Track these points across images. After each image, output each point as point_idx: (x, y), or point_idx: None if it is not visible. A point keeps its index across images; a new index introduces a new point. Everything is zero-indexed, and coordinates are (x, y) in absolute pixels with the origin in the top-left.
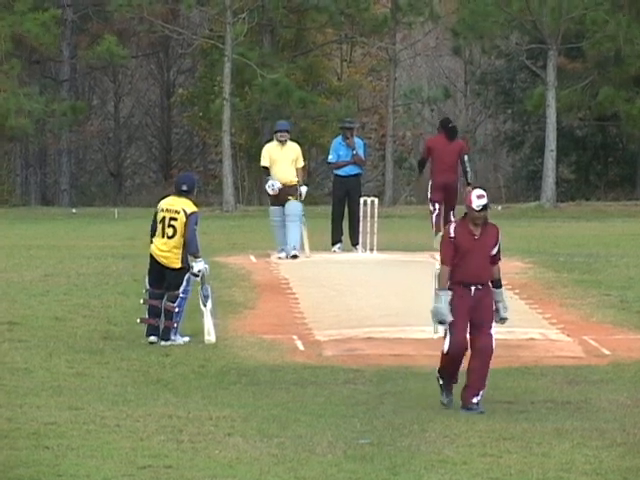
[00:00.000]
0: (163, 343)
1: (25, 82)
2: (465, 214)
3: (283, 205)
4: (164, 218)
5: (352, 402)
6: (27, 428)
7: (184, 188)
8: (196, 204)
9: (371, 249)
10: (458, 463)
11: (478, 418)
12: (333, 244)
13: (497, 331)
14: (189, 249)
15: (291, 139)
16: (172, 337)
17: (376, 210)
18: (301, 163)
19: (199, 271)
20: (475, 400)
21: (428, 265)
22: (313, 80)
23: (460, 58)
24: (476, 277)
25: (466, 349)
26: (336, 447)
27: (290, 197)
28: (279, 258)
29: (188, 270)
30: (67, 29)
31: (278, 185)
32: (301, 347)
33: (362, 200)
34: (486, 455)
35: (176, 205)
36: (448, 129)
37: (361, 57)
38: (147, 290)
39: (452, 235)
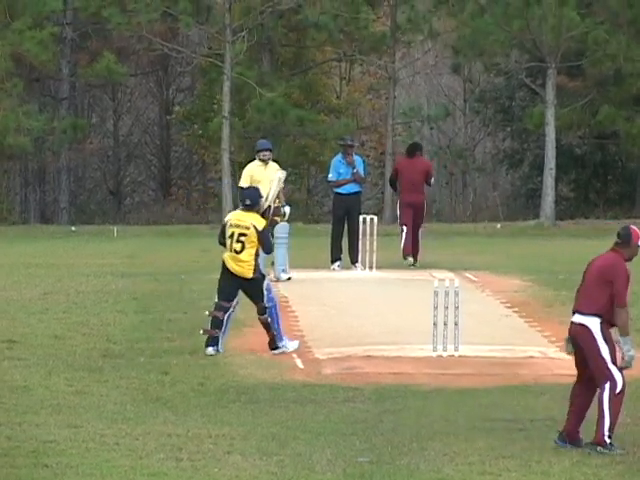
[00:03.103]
0: (273, 352)
1: (24, 100)
2: (618, 246)
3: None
4: (233, 234)
5: (351, 420)
6: (26, 446)
7: (247, 202)
8: (264, 217)
9: (370, 267)
10: None
11: (477, 436)
12: (332, 262)
13: (495, 349)
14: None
15: (274, 159)
16: (279, 344)
17: (375, 228)
18: (282, 184)
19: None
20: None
21: (427, 283)
22: (312, 98)
23: (459, 76)
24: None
25: None
26: (335, 465)
27: (276, 218)
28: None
29: (263, 278)
30: (66, 47)
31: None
32: (300, 365)
33: (361, 218)
34: (485, 473)
35: (246, 221)
36: (408, 147)
37: (360, 75)
38: (215, 303)
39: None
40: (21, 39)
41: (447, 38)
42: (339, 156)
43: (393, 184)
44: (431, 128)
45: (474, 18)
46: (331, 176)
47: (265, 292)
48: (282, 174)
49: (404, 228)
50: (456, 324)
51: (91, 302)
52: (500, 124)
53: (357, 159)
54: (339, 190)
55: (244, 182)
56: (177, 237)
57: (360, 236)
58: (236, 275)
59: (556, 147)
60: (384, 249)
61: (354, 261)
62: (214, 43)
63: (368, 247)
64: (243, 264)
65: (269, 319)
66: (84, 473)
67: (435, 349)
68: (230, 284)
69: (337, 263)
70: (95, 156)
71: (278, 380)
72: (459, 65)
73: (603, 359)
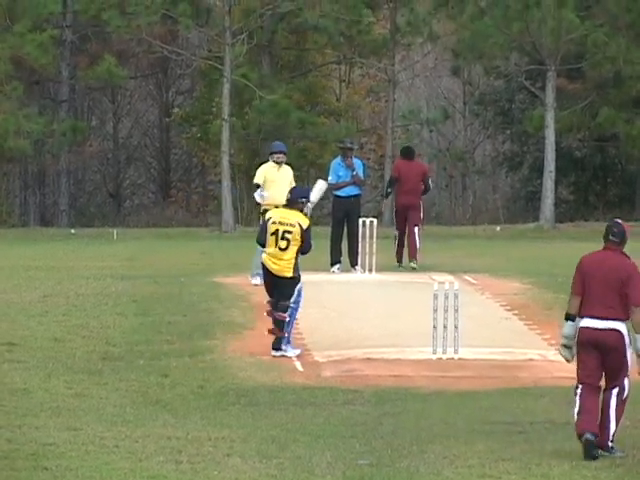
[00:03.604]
0: (273, 353)
1: (24, 103)
2: (614, 244)
3: None
4: (277, 231)
5: (351, 423)
6: (26, 449)
7: (287, 197)
8: (306, 215)
9: (370, 270)
10: None
11: (477, 439)
12: (332, 265)
13: (495, 352)
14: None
15: (286, 162)
16: (283, 347)
17: (375, 230)
18: (293, 184)
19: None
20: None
21: (427, 286)
22: (312, 101)
23: (459, 79)
24: None
25: None
26: (335, 468)
27: None
28: (255, 285)
29: (299, 280)
30: (66, 50)
31: (267, 195)
32: (300, 368)
33: (361, 221)
34: (485, 476)
35: (291, 218)
36: (403, 150)
37: (360, 78)
38: (269, 301)
39: None
40: (21, 42)
41: (447, 41)
42: (338, 159)
43: (392, 184)
44: (430, 131)
45: (474, 21)
46: (330, 179)
47: (295, 293)
48: (323, 184)
49: (397, 232)
50: (456, 327)
51: (91, 305)
52: (500, 127)
53: (357, 162)
54: (338, 193)
55: (258, 179)
56: (177, 240)
57: (360, 239)
58: (273, 274)
59: (556, 150)
60: (384, 252)
61: (354, 264)
62: (214, 45)
63: (368, 250)
64: (283, 262)
65: (287, 319)
66: (84, 476)
67: (435, 352)
68: (271, 282)
69: (337, 266)
70: (95, 159)
71: (278, 383)
72: (459, 68)
73: (626, 365)
